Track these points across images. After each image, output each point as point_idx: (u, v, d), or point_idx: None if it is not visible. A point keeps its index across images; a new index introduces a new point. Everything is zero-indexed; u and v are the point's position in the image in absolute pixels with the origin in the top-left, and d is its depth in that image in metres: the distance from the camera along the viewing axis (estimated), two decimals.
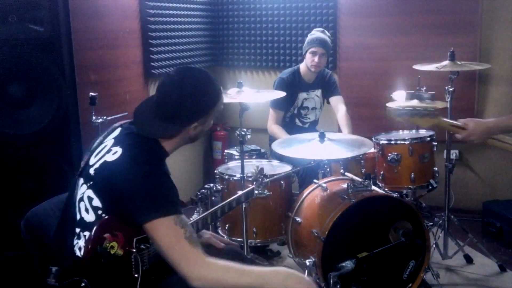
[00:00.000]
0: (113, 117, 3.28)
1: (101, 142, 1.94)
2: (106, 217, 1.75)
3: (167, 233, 1.67)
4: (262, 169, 2.81)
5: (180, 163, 4.71)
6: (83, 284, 1.65)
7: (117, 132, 1.93)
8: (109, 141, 1.89)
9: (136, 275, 1.75)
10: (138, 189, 1.70)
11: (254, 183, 2.79)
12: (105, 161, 1.82)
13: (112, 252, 1.71)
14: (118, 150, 1.80)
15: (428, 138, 3.41)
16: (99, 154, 1.87)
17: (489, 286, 3.36)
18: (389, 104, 1.84)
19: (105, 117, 3.26)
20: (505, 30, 4.21)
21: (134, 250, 1.76)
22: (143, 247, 1.79)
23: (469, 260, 3.63)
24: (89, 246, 1.68)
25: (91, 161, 1.88)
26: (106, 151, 1.85)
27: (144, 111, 1.92)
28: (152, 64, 4.18)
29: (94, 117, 3.21)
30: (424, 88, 3.61)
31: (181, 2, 4.62)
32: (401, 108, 1.83)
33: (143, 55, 4.15)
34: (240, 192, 2.67)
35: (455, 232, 3.69)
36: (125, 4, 3.93)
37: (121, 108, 3.60)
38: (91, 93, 3.18)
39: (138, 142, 1.84)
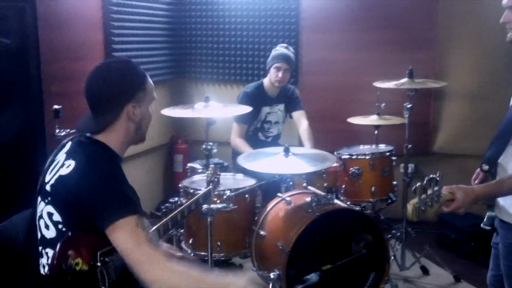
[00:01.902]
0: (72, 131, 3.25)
1: (53, 160, 1.93)
2: (69, 234, 1.74)
3: (129, 235, 1.67)
4: (217, 168, 2.80)
5: (140, 176, 4.68)
6: None
7: (68, 146, 1.93)
8: (61, 156, 1.89)
9: None
10: (95, 195, 1.71)
11: (211, 184, 2.78)
12: (60, 176, 1.81)
13: (78, 268, 1.70)
14: (71, 163, 1.80)
15: (388, 153, 3.52)
16: (53, 171, 1.87)
17: None
18: (409, 205, 1.80)
19: (68, 130, 3.22)
20: (460, 47, 4.41)
21: (99, 264, 1.76)
22: (107, 260, 1.78)
23: (425, 271, 3.76)
24: (54, 264, 1.67)
25: (46, 179, 1.88)
26: (60, 166, 1.85)
27: (83, 120, 1.93)
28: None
29: (57, 130, 3.18)
30: (383, 104, 3.74)
31: (146, 15, 4.63)
32: (422, 209, 1.83)
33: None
34: (199, 193, 2.66)
35: (412, 244, 3.81)
36: (89, 15, 3.90)
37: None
38: (55, 106, 3.14)
39: (88, 150, 1.84)
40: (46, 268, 1.76)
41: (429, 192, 1.80)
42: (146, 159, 4.74)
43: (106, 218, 1.69)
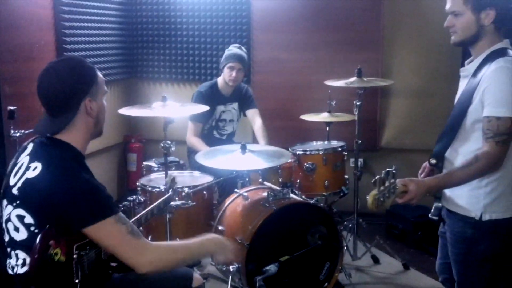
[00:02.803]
0: (30, 131, 3.23)
1: (15, 163, 1.94)
2: (48, 227, 1.77)
3: (111, 233, 1.78)
4: (174, 177, 2.86)
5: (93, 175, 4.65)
6: None
7: (30, 148, 1.93)
8: (24, 158, 1.89)
9: (77, 281, 1.80)
10: (70, 199, 1.74)
11: (170, 191, 2.85)
12: (27, 179, 1.82)
13: (56, 258, 1.74)
14: (38, 165, 1.82)
15: (340, 148, 3.67)
16: (18, 174, 1.87)
17: (395, 283, 3.67)
18: (370, 196, 1.91)
19: (22, 131, 3.20)
20: (405, 47, 4.62)
21: (75, 256, 1.80)
22: (82, 253, 1.83)
23: (376, 260, 3.93)
24: (37, 252, 1.70)
25: (11, 182, 1.88)
26: (25, 169, 1.85)
27: (40, 123, 1.94)
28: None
29: (12, 131, 3.15)
30: (334, 101, 3.89)
31: (97, 15, 4.61)
32: (381, 199, 1.93)
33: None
34: (159, 200, 2.73)
35: (363, 234, 3.98)
36: (40, 16, 3.87)
37: (37, 122, 3.54)
38: (9, 107, 3.12)
39: (53, 152, 1.86)
40: (18, 268, 1.82)
41: (387, 184, 1.93)
42: (99, 158, 4.71)
43: (83, 219, 1.75)
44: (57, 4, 4.03)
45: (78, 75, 1.90)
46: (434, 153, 2.26)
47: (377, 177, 1.89)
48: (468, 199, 2.14)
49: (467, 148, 2.13)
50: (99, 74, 1.99)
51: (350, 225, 3.89)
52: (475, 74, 2.13)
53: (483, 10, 2.07)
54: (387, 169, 1.92)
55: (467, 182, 2.08)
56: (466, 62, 2.26)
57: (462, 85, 2.24)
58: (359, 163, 3.79)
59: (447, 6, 2.16)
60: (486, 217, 2.10)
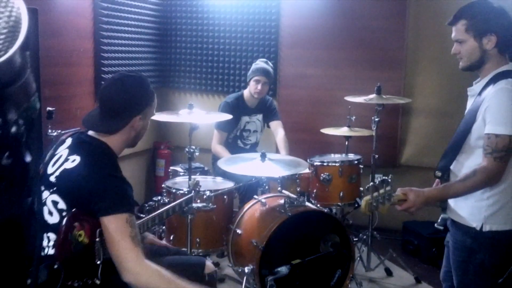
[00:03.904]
0: (66, 131, 3.46)
1: (53, 154, 2.15)
2: (75, 210, 1.97)
3: (116, 229, 1.93)
4: (198, 181, 3.08)
5: None
6: (56, 266, 1.86)
7: (68, 142, 2.16)
8: (63, 151, 2.11)
9: (98, 262, 1.98)
10: (99, 188, 1.96)
11: (193, 192, 3.05)
12: (65, 169, 2.04)
13: (80, 240, 1.93)
14: (76, 158, 2.04)
15: (356, 161, 3.80)
16: (56, 164, 2.09)
17: None
18: (363, 201, 2.08)
19: (59, 131, 3.43)
20: (427, 67, 4.74)
21: (98, 239, 1.99)
22: (104, 238, 2.02)
23: (389, 272, 4.03)
24: (61, 235, 1.90)
25: (49, 171, 2.09)
26: (64, 160, 2.07)
27: (90, 117, 2.18)
28: (103, 82, 4.39)
29: (50, 130, 3.39)
30: (354, 117, 4.04)
31: (134, 26, 4.87)
32: (373, 204, 2.09)
33: (95, 73, 4.35)
34: (181, 199, 2.93)
35: (377, 247, 4.09)
36: (80, 25, 4.14)
37: (71, 123, 3.77)
38: (48, 108, 3.36)
39: (92, 148, 2.10)
40: (48, 249, 1.99)
41: (381, 191, 2.08)
42: (129, 163, 4.94)
43: (103, 208, 1.94)
44: (97, 14, 4.30)
45: (141, 93, 2.16)
46: (439, 166, 2.39)
47: (370, 183, 2.04)
48: (470, 210, 2.26)
49: (471, 162, 2.25)
50: (155, 99, 2.23)
51: (365, 237, 4.00)
52: (480, 93, 2.27)
53: (485, 36, 2.21)
54: (383, 177, 2.06)
55: (464, 194, 2.20)
56: (474, 82, 2.39)
57: (469, 103, 2.38)
58: (377, 179, 3.89)
59: (452, 35, 2.31)
60: (486, 228, 2.21)
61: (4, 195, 1.15)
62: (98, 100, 2.17)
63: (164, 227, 3.51)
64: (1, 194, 1.03)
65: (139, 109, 2.14)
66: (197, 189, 3.08)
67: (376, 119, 3.80)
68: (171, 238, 3.56)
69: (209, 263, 2.45)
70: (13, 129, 0.92)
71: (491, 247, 2.23)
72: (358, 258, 3.81)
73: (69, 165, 2.04)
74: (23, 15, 0.89)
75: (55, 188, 2.05)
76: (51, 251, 2.00)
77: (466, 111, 2.40)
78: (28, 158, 0.96)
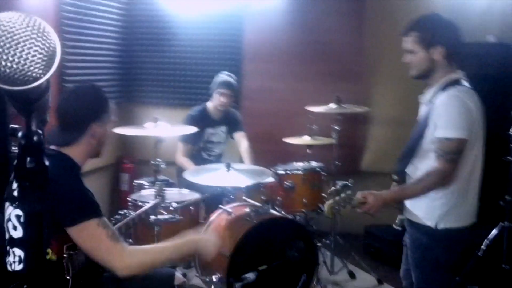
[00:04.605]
0: None
1: None
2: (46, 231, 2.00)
3: (92, 236, 1.97)
4: (163, 184, 3.16)
5: None
6: (25, 286, 1.89)
7: None
8: None
9: (68, 277, 2.01)
10: (62, 199, 1.96)
11: (157, 198, 3.12)
12: None
13: (48, 257, 1.97)
14: None
15: (318, 169, 3.93)
16: None
17: None
18: (326, 205, 2.21)
19: None
20: (384, 78, 4.94)
21: (65, 255, 2.02)
22: (72, 253, 2.04)
23: (352, 275, 4.15)
24: (34, 256, 1.92)
25: (14, 186, 2.10)
26: None
27: (51, 132, 2.20)
28: None
29: (13, 147, 3.38)
30: (315, 126, 4.17)
31: (96, 42, 4.88)
32: (336, 208, 2.21)
33: (58, 89, 4.35)
34: (148, 205, 3.01)
35: (340, 252, 4.21)
36: None
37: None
38: (12, 125, 3.35)
39: (54, 160, 2.10)
40: (14, 265, 2.01)
41: (343, 195, 2.20)
42: (92, 178, 4.91)
43: (71, 220, 1.97)
44: (60, 31, 4.30)
45: (93, 102, 2.20)
46: (395, 170, 2.54)
47: (332, 188, 2.16)
48: (425, 209, 2.40)
49: (425, 165, 2.39)
50: (112, 105, 2.28)
51: (328, 242, 4.12)
52: (431, 101, 2.42)
53: (432, 47, 2.37)
54: (344, 182, 2.19)
55: (420, 195, 2.34)
56: (425, 90, 2.55)
57: (421, 110, 2.53)
58: (339, 184, 4.02)
59: (403, 45, 2.46)
60: (441, 226, 2.36)
61: (29, 193, 1.34)
62: (55, 114, 2.21)
63: (130, 240, 3.53)
64: (27, 193, 1.21)
65: (94, 117, 2.17)
66: (162, 195, 3.14)
67: (337, 128, 3.94)
68: None
69: (178, 275, 2.50)
70: (35, 138, 1.14)
71: (446, 243, 2.38)
72: (322, 263, 3.92)
73: None
74: (57, 47, 1.09)
75: (17, 203, 2.05)
76: (17, 267, 2.01)
77: (418, 117, 2.55)
78: (47, 163, 1.16)
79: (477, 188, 2.43)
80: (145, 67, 5.47)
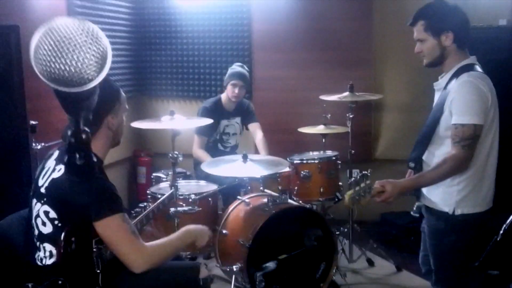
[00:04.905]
0: (50, 143, 3.51)
1: (43, 167, 2.23)
2: (69, 226, 2.06)
3: (118, 229, 2.03)
4: (175, 174, 3.22)
5: None
6: (60, 282, 1.95)
7: (56, 154, 2.22)
8: (51, 162, 2.18)
9: (98, 271, 2.07)
10: (87, 194, 2.00)
11: (173, 188, 3.17)
12: (52, 179, 2.11)
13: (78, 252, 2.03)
14: (62, 167, 2.09)
15: (334, 158, 3.95)
16: (45, 176, 2.16)
17: (388, 283, 3.94)
18: (346, 195, 2.25)
19: (42, 144, 3.49)
20: (395, 65, 4.94)
21: (95, 249, 2.07)
22: (100, 247, 2.09)
23: (370, 263, 4.18)
24: (61, 250, 1.99)
25: (40, 183, 2.16)
26: (51, 171, 2.14)
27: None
28: None
29: (33, 144, 3.45)
30: (329, 115, 4.19)
31: (110, 37, 4.87)
32: (356, 198, 2.25)
33: None
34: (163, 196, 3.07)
35: (358, 239, 4.24)
36: None
37: (54, 136, 3.82)
38: (32, 122, 3.42)
39: None
40: (46, 259, 2.07)
41: (362, 185, 2.23)
42: (110, 172, 4.91)
43: (97, 213, 2.01)
44: None
45: (105, 94, 2.19)
46: (411, 157, 2.56)
47: (352, 179, 2.19)
48: (442, 196, 2.43)
49: (441, 152, 2.41)
50: (123, 93, 2.30)
51: (346, 230, 4.15)
52: (445, 87, 2.43)
53: (442, 34, 2.38)
54: (363, 172, 2.21)
55: (437, 182, 2.36)
56: (439, 76, 2.56)
57: (436, 97, 2.55)
58: (355, 173, 4.05)
59: (414, 35, 2.48)
60: (458, 212, 2.38)
61: (73, 188, 1.62)
62: None
63: (150, 229, 3.59)
64: (71, 187, 1.49)
65: (108, 109, 2.18)
66: (176, 184, 3.20)
67: (351, 116, 3.96)
68: None
69: (203, 268, 2.54)
70: (84, 136, 1.24)
71: (463, 229, 2.40)
72: (341, 251, 3.95)
73: (55, 174, 2.10)
74: (109, 50, 1.20)
75: (45, 199, 2.10)
76: (48, 261, 2.07)
77: (433, 104, 2.56)
78: (94, 159, 1.24)
79: (493, 174, 2.44)
80: (158, 61, 5.54)
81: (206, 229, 2.48)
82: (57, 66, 1.13)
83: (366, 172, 2.27)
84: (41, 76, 1.14)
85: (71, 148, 1.26)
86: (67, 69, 1.13)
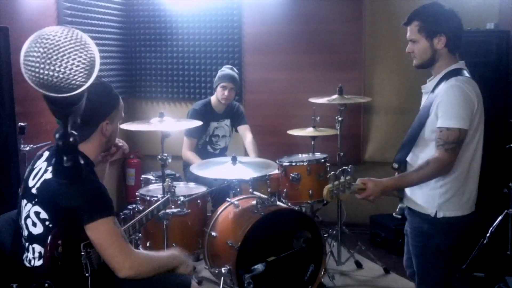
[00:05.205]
0: (38, 145, 3.51)
1: (32, 169, 2.22)
2: (56, 229, 2.06)
3: (108, 232, 2.02)
4: (172, 182, 3.21)
5: None
6: (47, 284, 1.95)
7: (46, 155, 2.22)
8: (42, 163, 2.18)
9: (87, 274, 2.07)
10: (79, 197, 2.00)
11: (168, 193, 3.16)
12: (45, 180, 2.10)
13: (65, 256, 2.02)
14: None
15: (323, 160, 3.97)
16: (36, 176, 2.15)
17: (376, 285, 3.95)
18: (325, 188, 2.27)
19: (31, 145, 3.48)
20: (385, 67, 4.97)
21: (83, 253, 2.08)
22: (89, 251, 2.09)
23: (359, 265, 4.20)
24: (48, 253, 1.98)
25: (31, 184, 2.15)
26: (43, 171, 2.14)
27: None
28: None
29: (22, 145, 3.44)
30: (318, 117, 4.21)
31: (99, 39, 4.92)
32: (334, 192, 2.26)
33: None
34: (157, 198, 3.06)
35: (346, 242, 4.25)
36: None
37: (42, 138, 3.81)
38: (20, 123, 3.41)
39: None
40: (34, 260, 2.07)
41: (342, 180, 2.24)
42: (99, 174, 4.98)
43: (89, 216, 2.01)
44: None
45: (104, 99, 2.23)
46: (396, 159, 2.58)
47: (331, 173, 2.20)
48: (425, 198, 2.45)
49: (426, 154, 2.43)
50: (121, 102, 2.32)
51: (335, 232, 4.17)
52: (433, 90, 2.45)
53: (435, 37, 2.40)
54: (343, 167, 2.23)
55: (419, 183, 2.38)
56: (428, 80, 2.58)
57: (423, 100, 2.57)
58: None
59: (407, 35, 2.49)
60: (440, 215, 2.40)
61: (66, 190, 1.66)
62: None
63: (140, 235, 3.59)
64: (63, 189, 1.50)
65: (104, 115, 2.20)
66: (173, 190, 3.19)
67: (340, 119, 3.98)
68: (148, 244, 3.63)
69: (194, 283, 2.53)
70: (71, 139, 1.25)
71: (446, 231, 2.42)
72: (329, 253, 3.97)
73: (47, 175, 2.10)
74: (96, 56, 1.23)
75: (36, 200, 2.10)
76: (37, 263, 2.06)
77: (420, 107, 2.58)
78: (82, 161, 1.28)
79: (476, 178, 2.47)
80: (147, 63, 5.53)
81: (191, 261, 2.48)
82: (46, 73, 1.17)
83: (346, 168, 2.28)
84: (30, 82, 1.18)
85: (59, 150, 1.29)
86: (55, 75, 1.17)
